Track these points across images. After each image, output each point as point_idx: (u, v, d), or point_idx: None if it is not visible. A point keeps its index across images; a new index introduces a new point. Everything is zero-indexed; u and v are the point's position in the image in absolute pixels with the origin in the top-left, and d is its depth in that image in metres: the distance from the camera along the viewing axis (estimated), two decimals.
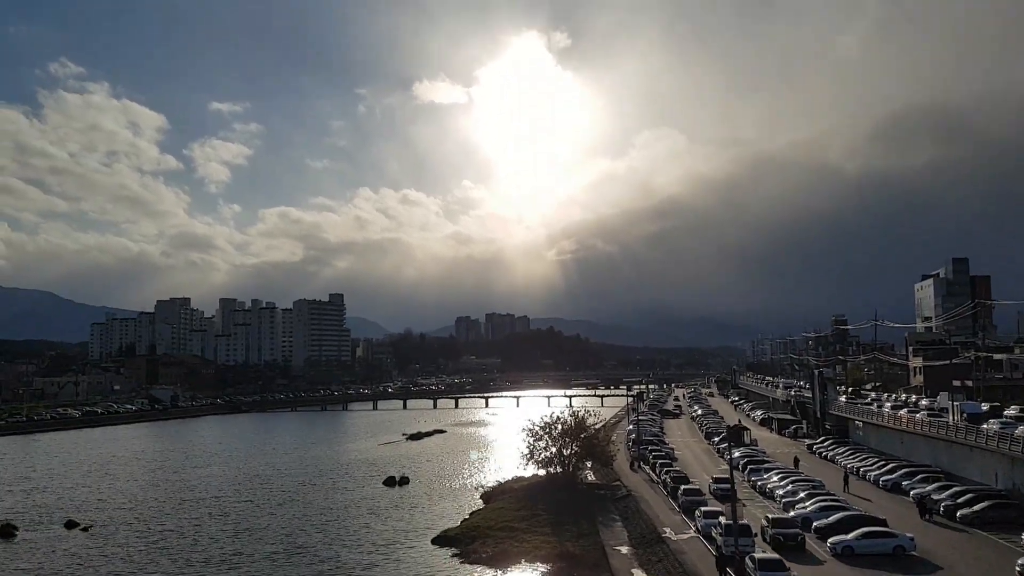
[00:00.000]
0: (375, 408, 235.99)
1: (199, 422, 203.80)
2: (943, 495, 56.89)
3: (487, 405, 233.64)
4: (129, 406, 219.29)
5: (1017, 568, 37.18)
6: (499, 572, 48.61)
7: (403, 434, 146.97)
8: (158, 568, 51.51)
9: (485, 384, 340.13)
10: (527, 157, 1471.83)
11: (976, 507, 52.41)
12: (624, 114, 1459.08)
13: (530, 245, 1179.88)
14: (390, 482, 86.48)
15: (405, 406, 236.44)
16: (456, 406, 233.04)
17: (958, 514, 52.66)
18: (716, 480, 64.22)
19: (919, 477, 64.48)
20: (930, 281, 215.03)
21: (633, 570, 46.25)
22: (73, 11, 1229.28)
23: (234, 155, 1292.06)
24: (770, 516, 50.30)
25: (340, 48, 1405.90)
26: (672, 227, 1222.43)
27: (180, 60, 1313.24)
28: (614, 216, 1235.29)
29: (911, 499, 59.71)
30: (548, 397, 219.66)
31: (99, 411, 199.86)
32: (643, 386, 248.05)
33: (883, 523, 48.32)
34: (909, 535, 45.77)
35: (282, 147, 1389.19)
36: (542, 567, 48.77)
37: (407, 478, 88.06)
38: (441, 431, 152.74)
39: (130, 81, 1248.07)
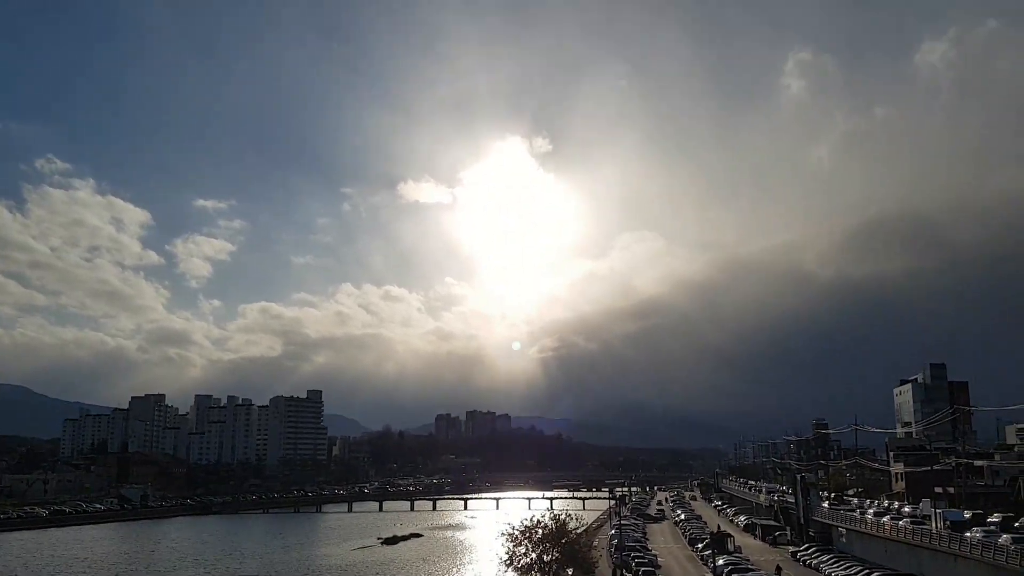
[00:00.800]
0: (350, 510, 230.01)
1: (169, 523, 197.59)
2: None
3: (466, 507, 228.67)
4: (98, 505, 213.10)
5: None
6: None
7: (378, 538, 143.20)
8: None
9: (465, 485, 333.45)
10: (510, 255, 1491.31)
11: None
12: (605, 216, 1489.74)
13: (512, 342, 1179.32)
14: None
15: (381, 508, 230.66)
16: (434, 508, 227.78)
17: None
18: None
19: None
20: (909, 386, 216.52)
21: None
22: (62, 108, 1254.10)
23: (217, 251, 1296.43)
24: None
25: (328, 148, 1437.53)
26: (653, 326, 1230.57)
27: (167, 157, 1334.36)
28: (595, 314, 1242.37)
29: None
30: (529, 499, 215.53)
31: (67, 510, 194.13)
32: (625, 489, 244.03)
33: None
34: None
35: (266, 243, 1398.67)
36: None
37: None
38: (418, 535, 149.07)
39: (116, 177, 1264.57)
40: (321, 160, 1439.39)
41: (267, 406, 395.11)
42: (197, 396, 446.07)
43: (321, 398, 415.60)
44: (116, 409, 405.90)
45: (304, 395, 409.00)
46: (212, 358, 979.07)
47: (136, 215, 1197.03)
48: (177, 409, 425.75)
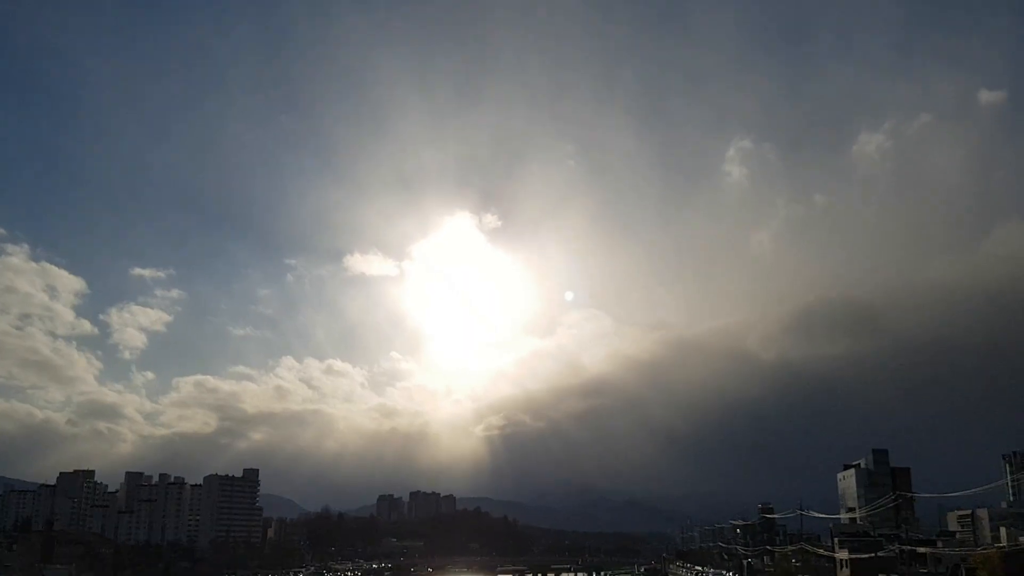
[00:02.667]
0: None
1: None
2: None
3: None
4: None
5: None
6: None
7: None
8: None
9: (406, 570, 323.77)
10: (457, 330, 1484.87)
11: None
12: (553, 294, 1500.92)
13: (457, 419, 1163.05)
14: None
15: None
16: None
17: None
18: None
19: None
20: (852, 471, 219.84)
21: None
22: None
23: (152, 321, 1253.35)
24: None
25: (271, 218, 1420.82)
26: (600, 406, 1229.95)
27: (103, 223, 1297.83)
28: (543, 392, 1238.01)
29: None
30: None
31: None
32: (572, 574, 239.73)
33: None
34: None
35: (204, 314, 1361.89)
36: None
37: None
38: None
39: (51, 243, 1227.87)
40: (264, 230, 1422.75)
41: (200, 485, 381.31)
42: (128, 473, 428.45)
43: (257, 477, 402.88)
44: (43, 485, 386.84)
45: (239, 473, 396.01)
46: (144, 433, 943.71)
47: (71, 283, 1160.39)
48: (106, 486, 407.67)
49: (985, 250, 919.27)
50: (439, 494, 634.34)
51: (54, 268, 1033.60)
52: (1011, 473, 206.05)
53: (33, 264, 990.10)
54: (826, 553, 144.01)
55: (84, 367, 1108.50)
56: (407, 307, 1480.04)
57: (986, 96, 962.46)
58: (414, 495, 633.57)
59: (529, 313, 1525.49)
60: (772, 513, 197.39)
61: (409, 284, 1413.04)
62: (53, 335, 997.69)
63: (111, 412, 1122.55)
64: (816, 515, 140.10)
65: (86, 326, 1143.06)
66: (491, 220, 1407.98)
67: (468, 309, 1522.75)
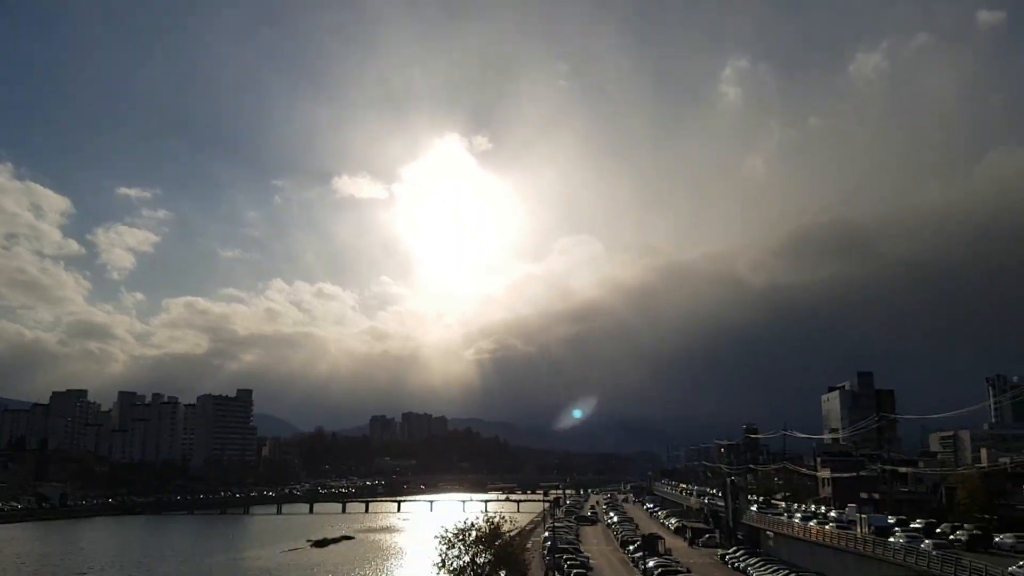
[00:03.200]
0: (279, 512, 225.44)
1: (89, 523, 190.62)
2: None
3: (399, 509, 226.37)
4: (15, 504, 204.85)
5: None
6: None
7: (308, 540, 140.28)
8: None
9: (399, 487, 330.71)
10: (448, 255, 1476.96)
11: None
12: (544, 218, 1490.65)
13: (448, 343, 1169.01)
14: None
15: (312, 510, 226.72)
16: (366, 510, 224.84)
17: None
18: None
19: None
20: (836, 393, 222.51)
21: None
22: None
23: (140, 242, 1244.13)
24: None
25: (257, 138, 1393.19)
26: (589, 330, 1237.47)
27: (89, 143, 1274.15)
28: (533, 317, 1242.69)
29: None
30: (463, 501, 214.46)
31: None
32: (560, 492, 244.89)
33: None
34: None
35: (192, 235, 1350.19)
36: None
37: None
38: (349, 537, 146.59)
39: (35, 162, 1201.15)
40: (249, 150, 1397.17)
41: (194, 405, 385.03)
42: (120, 393, 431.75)
43: (251, 397, 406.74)
44: (35, 404, 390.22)
45: (232, 394, 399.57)
46: (135, 354, 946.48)
47: (56, 202, 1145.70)
48: (99, 405, 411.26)
49: (979, 175, 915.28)
50: (431, 415, 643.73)
51: (39, 187, 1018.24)
52: (993, 396, 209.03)
53: (17, 183, 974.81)
54: (808, 472, 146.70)
55: (73, 287, 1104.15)
56: (397, 231, 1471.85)
57: (985, 16, 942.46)
58: (406, 416, 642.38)
59: (520, 238, 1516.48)
60: (756, 434, 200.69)
61: (399, 208, 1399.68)
62: (40, 255, 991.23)
63: (101, 332, 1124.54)
64: (799, 435, 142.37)
65: (73, 246, 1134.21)
66: (481, 142, 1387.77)
67: (459, 234, 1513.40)
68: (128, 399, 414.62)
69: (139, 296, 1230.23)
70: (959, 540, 69.17)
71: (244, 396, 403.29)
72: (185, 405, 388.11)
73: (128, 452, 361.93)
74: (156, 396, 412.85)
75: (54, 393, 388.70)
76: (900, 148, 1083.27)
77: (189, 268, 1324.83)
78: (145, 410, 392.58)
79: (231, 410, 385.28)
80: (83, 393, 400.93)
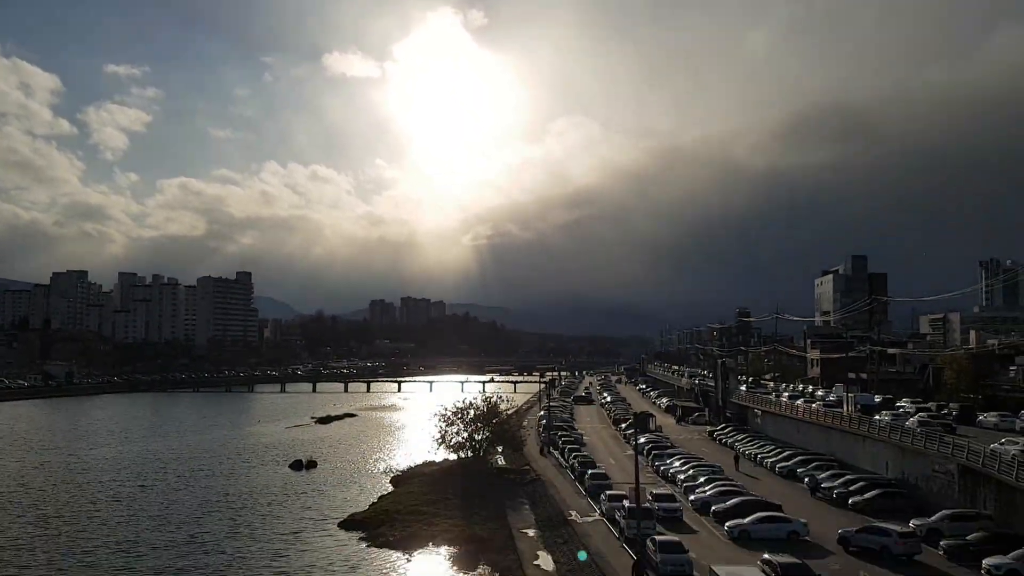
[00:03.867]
0: (283, 391, 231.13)
1: (95, 400, 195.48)
2: (836, 483, 59.50)
3: (400, 390, 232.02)
4: (21, 382, 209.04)
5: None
6: (407, 555, 48.37)
7: (312, 417, 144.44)
8: (46, 555, 49.04)
9: (398, 368, 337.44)
10: (443, 137, 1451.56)
11: (867, 495, 54.99)
12: (541, 99, 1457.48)
13: (445, 229, 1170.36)
14: (297, 466, 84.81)
15: (315, 389, 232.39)
16: (368, 390, 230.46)
17: (850, 501, 55.14)
18: (657, 497, 52.97)
19: (813, 465, 67.16)
20: (830, 277, 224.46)
21: (539, 552, 46.76)
22: None
23: (131, 121, 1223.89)
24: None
25: (245, 12, 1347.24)
26: (586, 216, 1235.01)
27: (73, 18, 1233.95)
28: (529, 203, 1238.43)
29: (805, 485, 62.42)
30: (462, 382, 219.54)
31: None
32: (555, 373, 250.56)
33: (778, 508, 50.23)
34: (803, 520, 47.69)
35: (182, 114, 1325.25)
36: (449, 550, 48.81)
37: (315, 462, 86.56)
38: (352, 415, 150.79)
39: (21, 39, 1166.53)
40: (237, 25, 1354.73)
41: (194, 286, 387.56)
42: (121, 274, 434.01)
43: (250, 280, 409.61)
44: (36, 285, 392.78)
45: (232, 276, 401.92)
46: (132, 235, 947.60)
47: (45, 80, 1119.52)
48: (100, 287, 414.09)
49: (984, 55, 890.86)
50: (429, 300, 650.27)
51: (26, 64, 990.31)
52: (986, 280, 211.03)
53: (4, 60, 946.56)
54: (798, 353, 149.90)
55: (66, 168, 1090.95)
56: (391, 111, 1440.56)
57: None
58: (405, 300, 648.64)
59: (516, 119, 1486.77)
60: (749, 317, 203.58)
61: (392, 87, 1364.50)
62: (32, 135, 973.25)
63: (97, 213, 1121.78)
64: (791, 318, 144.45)
65: (64, 126, 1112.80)
66: (476, 17, 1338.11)
67: (454, 114, 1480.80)
68: (128, 280, 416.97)
69: (133, 177, 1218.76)
70: (943, 418, 71.43)
71: (244, 278, 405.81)
72: (186, 287, 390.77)
73: (131, 332, 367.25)
74: (156, 277, 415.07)
75: (54, 274, 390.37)
76: (905, 28, 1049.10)
77: (181, 148, 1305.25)
78: (146, 291, 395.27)
79: (231, 292, 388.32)
80: (83, 274, 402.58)
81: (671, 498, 53.82)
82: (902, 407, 78.82)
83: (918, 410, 76.59)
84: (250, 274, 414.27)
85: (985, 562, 38.68)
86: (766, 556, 38.07)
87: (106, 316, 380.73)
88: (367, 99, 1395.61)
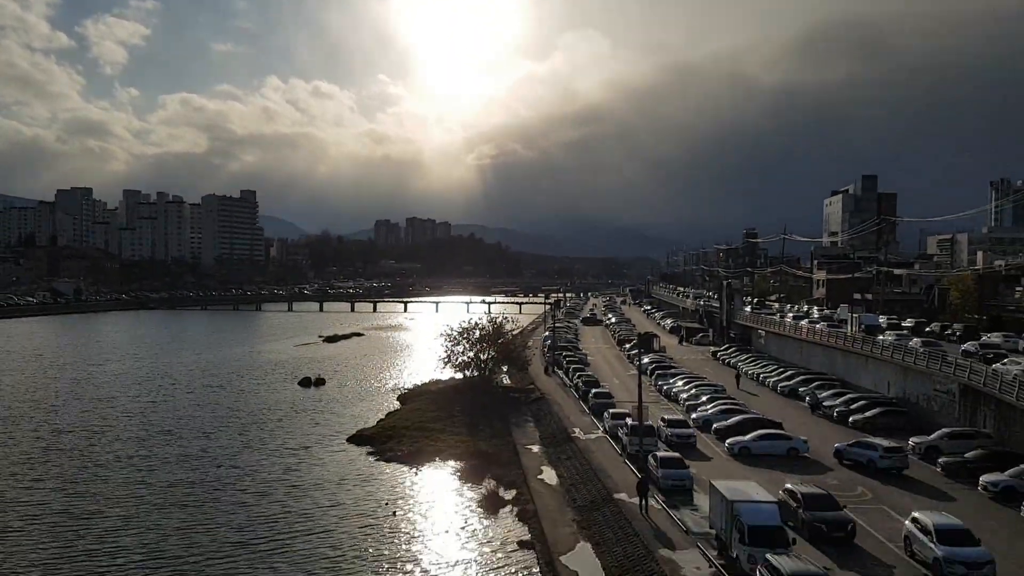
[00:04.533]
0: (290, 310, 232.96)
1: (105, 317, 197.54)
2: (836, 401, 60.16)
3: (406, 310, 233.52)
4: (30, 299, 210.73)
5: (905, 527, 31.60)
6: (414, 470, 49.40)
7: (319, 336, 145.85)
8: (58, 469, 50.20)
9: (404, 289, 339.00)
10: (447, 51, 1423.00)
11: (867, 413, 55.65)
12: (547, 10, 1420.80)
13: (449, 147, 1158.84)
14: (305, 383, 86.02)
15: (321, 308, 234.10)
16: (374, 310, 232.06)
17: (850, 420, 55.84)
18: (668, 423, 51.83)
19: (815, 384, 67.84)
20: (839, 197, 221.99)
21: (543, 467, 47.71)
22: None
23: (130, 34, 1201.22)
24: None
25: None
26: (593, 135, 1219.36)
27: None
28: (535, 121, 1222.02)
29: (806, 404, 63.17)
30: (467, 303, 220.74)
31: None
32: (561, 295, 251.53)
33: (779, 426, 50.91)
34: (803, 438, 48.40)
35: (182, 27, 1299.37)
36: (456, 465, 49.81)
37: (323, 379, 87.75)
38: (359, 334, 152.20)
39: None
40: None
41: (199, 204, 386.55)
42: (125, 191, 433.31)
43: (255, 198, 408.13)
44: (41, 202, 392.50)
45: (236, 195, 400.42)
46: (135, 152, 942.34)
47: None
48: (105, 204, 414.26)
49: None
50: (434, 220, 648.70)
51: None
52: (996, 200, 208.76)
53: None
54: (804, 274, 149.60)
55: (66, 82, 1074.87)
56: (394, 25, 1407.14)
57: None
58: (410, 221, 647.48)
59: (523, 33, 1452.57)
60: (756, 238, 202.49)
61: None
62: (30, 48, 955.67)
63: (99, 130, 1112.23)
64: (799, 239, 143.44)
65: (63, 39, 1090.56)
66: None
67: (458, 29, 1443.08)
68: (133, 198, 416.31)
69: (134, 92, 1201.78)
70: (947, 338, 71.73)
71: (248, 196, 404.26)
72: (191, 205, 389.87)
73: (137, 250, 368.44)
74: (161, 195, 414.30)
75: (59, 191, 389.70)
76: None
77: (182, 63, 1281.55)
78: (151, 208, 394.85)
79: (236, 210, 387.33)
80: (88, 191, 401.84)
81: (683, 424, 52.42)
82: (906, 327, 79.04)
83: (917, 327, 76.83)
84: (254, 192, 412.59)
85: (982, 479, 39.34)
86: (788, 486, 35.60)
87: (112, 234, 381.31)
88: (369, 12, 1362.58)
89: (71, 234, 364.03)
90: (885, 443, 44.76)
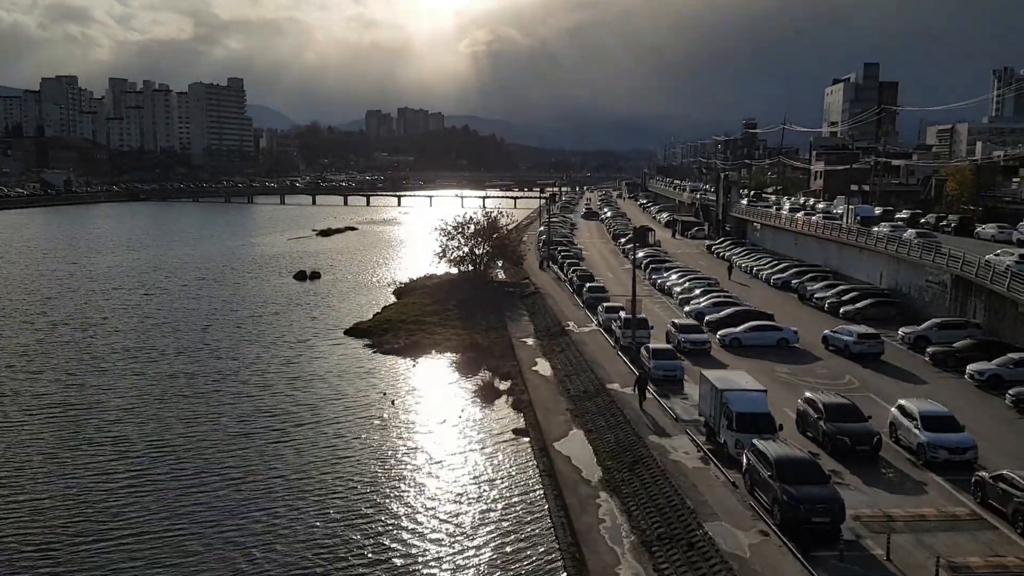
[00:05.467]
0: (282, 203, 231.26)
1: (96, 209, 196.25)
2: (828, 293, 60.58)
3: (399, 204, 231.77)
4: (20, 190, 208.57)
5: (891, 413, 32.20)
6: (411, 362, 50.07)
7: (313, 230, 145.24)
8: (56, 361, 50.68)
9: (397, 183, 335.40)
10: None
11: (858, 304, 56.11)
12: None
13: (440, 33, 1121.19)
14: (301, 276, 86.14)
15: (314, 202, 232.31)
16: (368, 204, 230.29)
17: (841, 311, 56.35)
18: (680, 328, 47.80)
19: (808, 276, 68.12)
20: (840, 86, 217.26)
21: (537, 359, 48.41)
22: None
23: None
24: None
25: None
26: (591, 21, 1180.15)
27: None
28: (530, 4, 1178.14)
29: (798, 296, 63.68)
30: (462, 197, 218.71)
31: None
32: (556, 189, 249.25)
33: (770, 318, 51.40)
34: (793, 329, 48.95)
35: None
36: (452, 357, 50.48)
37: (318, 273, 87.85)
38: (352, 228, 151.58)
39: None
40: None
41: (186, 93, 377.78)
42: (111, 79, 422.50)
43: (242, 86, 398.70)
44: (26, 91, 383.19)
45: (223, 83, 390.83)
46: (119, 38, 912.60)
47: None
48: (91, 93, 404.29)
49: None
50: (427, 111, 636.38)
51: None
52: (998, 89, 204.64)
53: None
54: (802, 166, 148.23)
55: None
56: None
57: None
58: (402, 111, 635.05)
59: None
60: (755, 128, 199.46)
61: None
62: None
63: (81, 15, 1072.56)
64: (798, 129, 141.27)
65: None
66: None
67: None
68: (119, 86, 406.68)
69: None
70: (942, 230, 71.71)
71: (236, 84, 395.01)
72: (178, 93, 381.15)
73: (126, 140, 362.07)
74: (147, 83, 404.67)
75: (43, 79, 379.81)
76: None
77: None
78: (137, 97, 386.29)
79: (224, 98, 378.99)
80: (73, 79, 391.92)
81: (697, 329, 47.97)
82: (902, 218, 78.86)
83: (913, 219, 76.69)
84: (242, 80, 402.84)
85: (969, 368, 40.01)
86: (808, 395, 32.78)
87: (100, 124, 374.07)
88: None
89: (58, 124, 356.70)
90: (860, 329, 46.61)
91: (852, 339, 45.53)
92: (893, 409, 31.89)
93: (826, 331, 48.24)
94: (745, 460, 26.76)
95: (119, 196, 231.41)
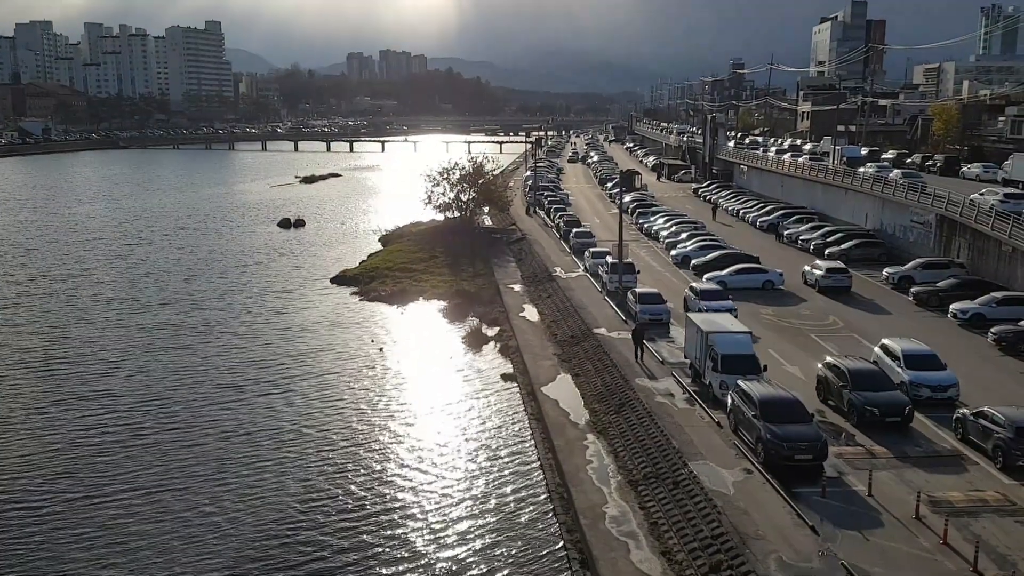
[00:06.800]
0: (264, 149, 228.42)
1: (75, 157, 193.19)
2: (814, 235, 60.67)
3: (383, 150, 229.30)
4: None
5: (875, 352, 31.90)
6: (399, 309, 50.04)
7: (296, 176, 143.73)
8: (38, 312, 50.31)
9: (381, 128, 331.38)
10: None
11: (844, 245, 56.29)
12: None
13: None
14: (285, 224, 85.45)
15: (296, 148, 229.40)
16: (351, 150, 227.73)
17: (826, 252, 56.51)
18: (700, 294, 41.96)
19: (794, 218, 68.12)
20: (828, 25, 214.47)
21: (524, 305, 48.49)
22: None
23: None
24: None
25: None
26: None
27: None
28: None
29: (785, 239, 63.78)
30: (447, 143, 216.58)
31: None
32: (542, 133, 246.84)
33: (756, 260, 51.48)
34: (779, 271, 49.10)
35: None
36: (439, 304, 50.48)
37: (302, 220, 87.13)
38: (336, 175, 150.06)
39: None
40: None
41: (163, 37, 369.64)
42: (87, 24, 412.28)
43: (220, 29, 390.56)
44: (0, 37, 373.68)
45: (200, 26, 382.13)
46: None
47: None
48: (67, 38, 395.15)
49: None
50: (410, 54, 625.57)
51: None
52: (986, 27, 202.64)
53: None
54: (789, 107, 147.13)
55: None
56: None
57: None
58: (384, 54, 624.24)
59: None
60: (742, 68, 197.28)
61: None
62: None
63: None
64: (786, 69, 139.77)
65: None
66: None
67: None
68: (95, 31, 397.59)
69: None
70: (928, 170, 71.65)
71: (213, 28, 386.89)
72: (155, 37, 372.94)
73: (103, 86, 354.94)
74: (123, 28, 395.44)
75: (18, 25, 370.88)
76: None
77: None
78: (114, 42, 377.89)
79: (202, 43, 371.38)
80: (48, 24, 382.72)
81: (721, 295, 41.87)
82: (888, 159, 78.68)
83: (899, 159, 76.59)
84: (219, 23, 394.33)
85: (952, 307, 40.36)
86: (829, 359, 29.93)
87: (76, 70, 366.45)
88: None
89: (34, 71, 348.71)
90: (828, 264, 48.89)
91: (821, 273, 47.43)
92: (876, 348, 32.20)
93: (804, 268, 49.94)
94: (730, 400, 27.07)
95: (99, 144, 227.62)
